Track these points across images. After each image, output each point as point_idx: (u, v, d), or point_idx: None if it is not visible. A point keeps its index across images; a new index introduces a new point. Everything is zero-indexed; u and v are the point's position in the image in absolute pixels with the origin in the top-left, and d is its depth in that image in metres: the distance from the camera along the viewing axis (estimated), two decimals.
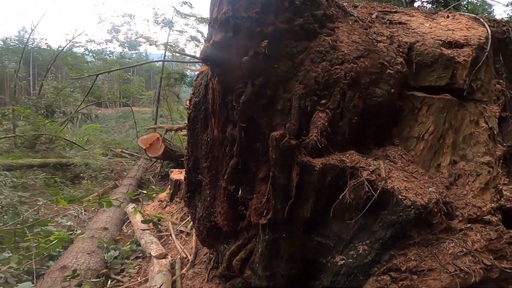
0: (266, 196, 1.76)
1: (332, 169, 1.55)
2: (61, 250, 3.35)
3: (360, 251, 1.52)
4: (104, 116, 25.04)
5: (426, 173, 1.69)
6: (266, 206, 1.75)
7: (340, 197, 1.56)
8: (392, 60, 1.77)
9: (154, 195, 4.74)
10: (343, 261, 1.57)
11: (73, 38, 14.21)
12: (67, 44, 14.37)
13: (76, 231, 3.37)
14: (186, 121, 2.30)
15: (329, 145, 1.59)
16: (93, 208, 5.68)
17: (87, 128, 14.05)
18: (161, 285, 2.49)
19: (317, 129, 1.53)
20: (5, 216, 3.54)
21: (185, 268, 2.92)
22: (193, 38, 11.92)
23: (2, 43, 37.40)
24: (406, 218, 1.41)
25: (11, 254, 2.57)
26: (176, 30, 13.26)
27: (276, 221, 1.69)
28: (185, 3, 12.48)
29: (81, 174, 8.29)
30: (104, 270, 2.95)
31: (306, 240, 1.72)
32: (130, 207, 4.65)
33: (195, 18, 12.49)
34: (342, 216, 1.60)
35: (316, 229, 1.69)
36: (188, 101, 2.27)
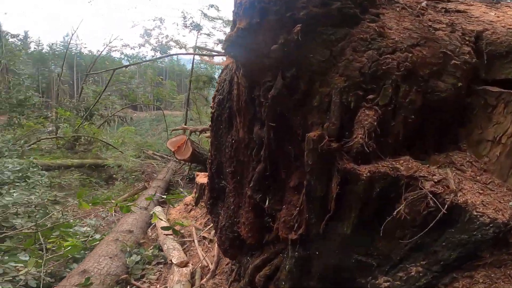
0: (298, 208, 1.59)
1: (382, 178, 1.31)
2: (87, 252, 3.33)
3: (413, 273, 1.31)
4: (139, 119, 26.27)
5: (503, 184, 1.38)
6: (298, 219, 1.56)
7: (395, 213, 1.30)
8: (457, 50, 1.48)
9: (180, 197, 4.64)
10: (388, 283, 1.37)
11: (110, 42, 15.06)
12: (104, 48, 15.29)
13: (90, 237, 3.32)
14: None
15: (378, 148, 1.31)
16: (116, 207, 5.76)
17: (123, 130, 14.69)
18: None
19: (363, 129, 1.25)
20: (37, 216, 3.62)
21: (205, 279, 2.77)
22: (221, 41, 11.95)
23: (48, 49, 40.79)
24: (482, 238, 1.19)
25: (28, 258, 2.55)
26: (204, 34, 13.44)
27: (309, 236, 1.51)
28: (212, 6, 12.60)
29: (114, 175, 8.56)
30: (124, 276, 2.86)
31: (343, 258, 1.50)
32: (157, 210, 4.60)
33: (222, 21, 12.56)
34: (392, 233, 1.36)
35: (357, 246, 1.47)
36: (212, 100, 2.09)
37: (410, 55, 1.37)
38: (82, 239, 3.30)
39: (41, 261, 2.40)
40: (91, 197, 6.72)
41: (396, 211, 1.29)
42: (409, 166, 1.34)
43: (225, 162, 1.96)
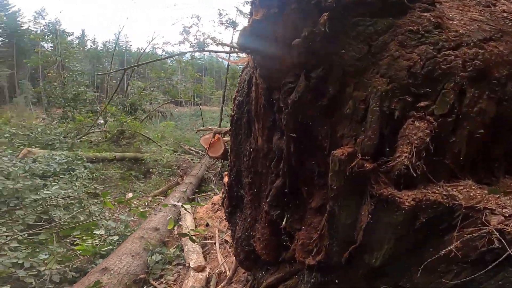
0: (318, 232, 1.33)
1: (430, 208, 1.02)
2: (114, 247, 3.39)
3: None
4: (179, 114, 27.37)
5: None
6: (318, 244, 1.34)
7: (443, 252, 1.03)
8: None
9: (200, 205, 4.59)
10: None
11: (152, 40, 15.74)
12: (147, 46, 16.00)
13: (103, 240, 3.36)
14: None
15: (430, 170, 1.01)
16: (155, 204, 5.93)
17: (164, 125, 15.35)
18: None
19: (410, 146, 0.96)
20: (74, 209, 3.79)
21: (220, 286, 2.67)
22: None
23: (102, 46, 44.26)
24: None
25: (47, 256, 2.63)
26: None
27: (329, 264, 1.30)
28: (247, 3, 12.45)
29: (151, 170, 8.90)
30: (143, 275, 2.84)
31: (367, 286, 1.29)
32: (183, 210, 4.58)
33: None
34: (433, 268, 1.11)
35: (385, 277, 1.24)
36: (233, 101, 1.89)
37: (482, 51, 1.05)
38: (104, 238, 3.35)
39: (60, 258, 2.46)
40: (129, 190, 7.05)
41: (445, 250, 1.01)
42: (471, 194, 1.03)
43: (244, 171, 1.76)
